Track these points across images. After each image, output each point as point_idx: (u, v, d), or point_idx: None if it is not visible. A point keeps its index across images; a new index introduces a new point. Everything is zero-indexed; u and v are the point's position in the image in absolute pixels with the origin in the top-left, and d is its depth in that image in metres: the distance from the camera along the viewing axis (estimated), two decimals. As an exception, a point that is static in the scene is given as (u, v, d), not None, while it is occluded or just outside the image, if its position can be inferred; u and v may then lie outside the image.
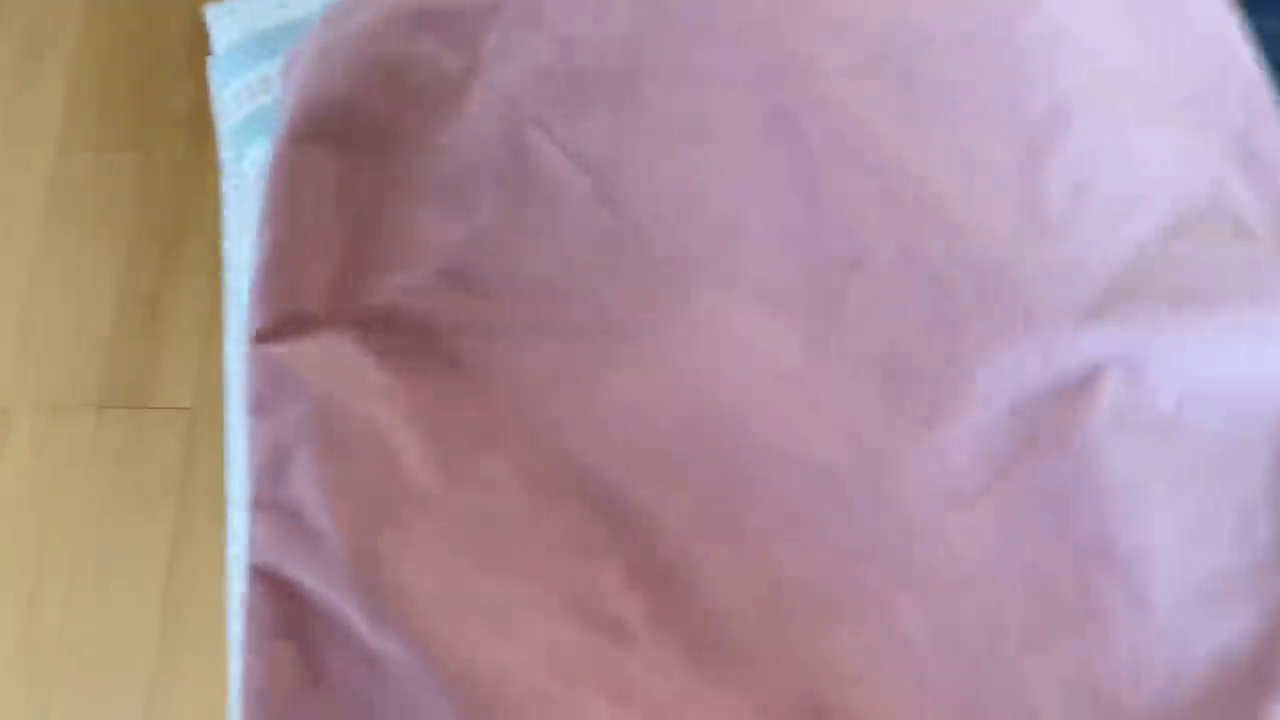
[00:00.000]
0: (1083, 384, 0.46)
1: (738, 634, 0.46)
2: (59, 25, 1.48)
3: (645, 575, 0.47)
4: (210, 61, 0.63)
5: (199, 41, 1.45)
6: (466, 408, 0.50)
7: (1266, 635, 0.43)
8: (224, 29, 0.61)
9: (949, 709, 0.45)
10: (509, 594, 0.46)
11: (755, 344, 0.49)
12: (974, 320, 0.47)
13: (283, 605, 0.48)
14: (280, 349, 0.51)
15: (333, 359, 0.51)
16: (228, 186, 0.61)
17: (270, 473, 0.50)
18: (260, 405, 0.52)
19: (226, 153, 0.62)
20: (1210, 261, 0.49)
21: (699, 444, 0.48)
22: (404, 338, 0.51)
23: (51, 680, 1.19)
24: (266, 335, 0.52)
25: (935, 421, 0.47)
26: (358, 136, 0.50)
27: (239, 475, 0.61)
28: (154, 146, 1.40)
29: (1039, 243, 0.47)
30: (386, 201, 0.52)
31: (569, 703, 0.43)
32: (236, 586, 0.58)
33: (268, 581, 0.49)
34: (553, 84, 0.52)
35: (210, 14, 0.61)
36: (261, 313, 0.52)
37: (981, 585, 0.46)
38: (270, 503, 0.50)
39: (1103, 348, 0.46)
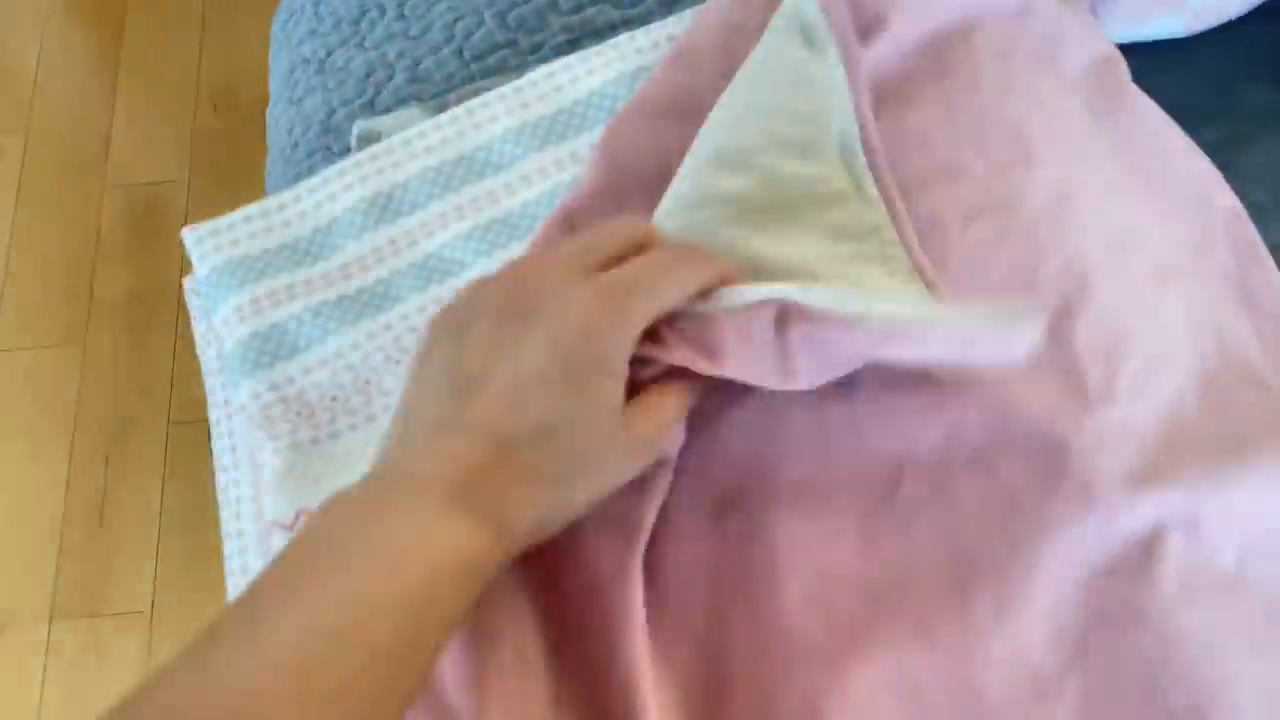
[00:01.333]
0: (1146, 551, 0.46)
1: None
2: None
3: None
4: (188, 286, 0.61)
5: (133, 226, 1.43)
6: None
7: None
8: (205, 252, 0.59)
9: None
10: None
11: (809, 550, 0.48)
12: (1029, 500, 0.46)
13: None
14: None
15: None
16: (216, 416, 0.59)
17: None
18: None
19: (214, 380, 0.59)
20: (1236, 412, 0.49)
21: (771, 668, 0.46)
22: None
23: None
24: None
25: (1007, 611, 0.45)
26: None
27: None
28: (93, 339, 1.36)
29: (1082, 411, 0.47)
30: None
31: None
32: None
33: None
34: None
35: (189, 237, 0.59)
36: None
37: None
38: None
39: (1159, 511, 0.46)
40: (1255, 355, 0.53)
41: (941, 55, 0.55)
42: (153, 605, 1.22)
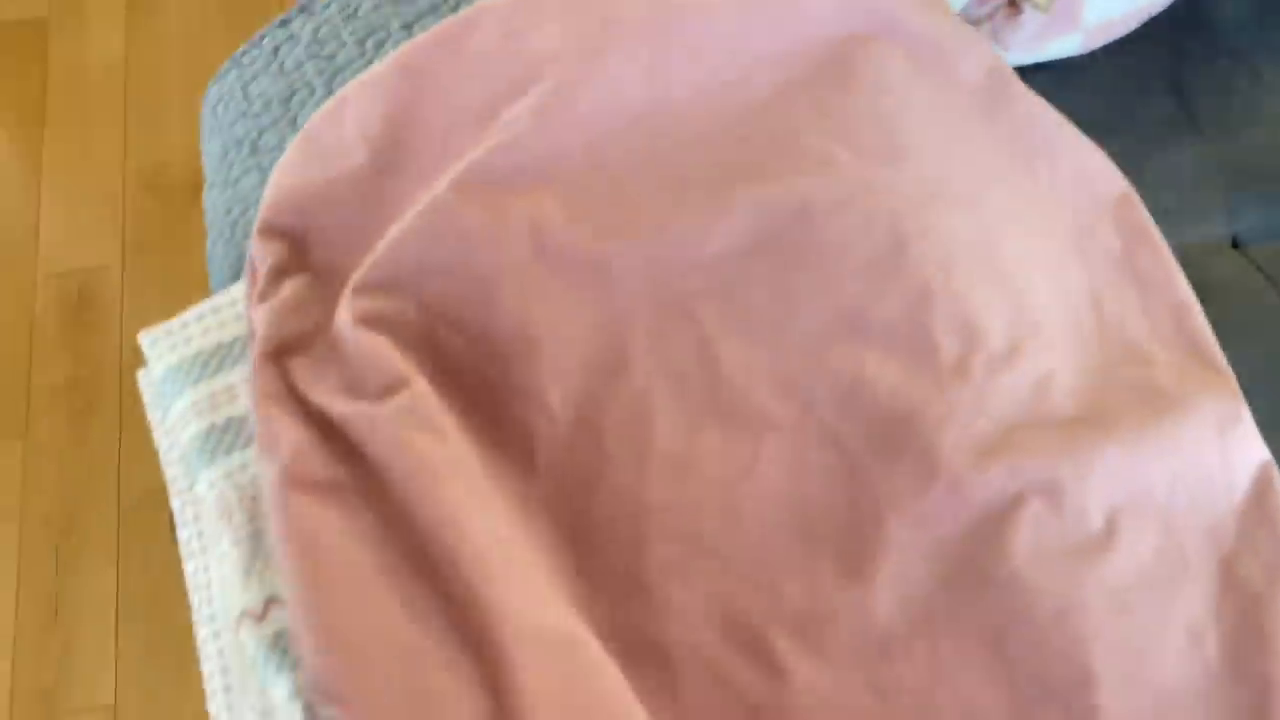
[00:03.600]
0: (1000, 519, 0.48)
1: None
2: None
3: None
4: (143, 380, 0.61)
5: (66, 313, 1.41)
6: None
7: None
8: (160, 353, 0.60)
9: None
10: None
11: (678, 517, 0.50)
12: (875, 471, 0.49)
13: None
14: None
15: None
16: (178, 503, 0.59)
17: None
18: None
19: (174, 470, 0.59)
20: (1115, 385, 0.52)
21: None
22: None
23: None
24: None
25: (853, 577, 0.48)
26: None
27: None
28: (34, 430, 1.33)
29: (933, 389, 0.49)
30: None
31: None
32: None
33: None
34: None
35: (145, 340, 0.60)
36: None
37: None
38: None
39: (1013, 480, 0.48)
40: (1141, 331, 0.56)
41: (814, 64, 0.57)
42: (116, 699, 1.20)
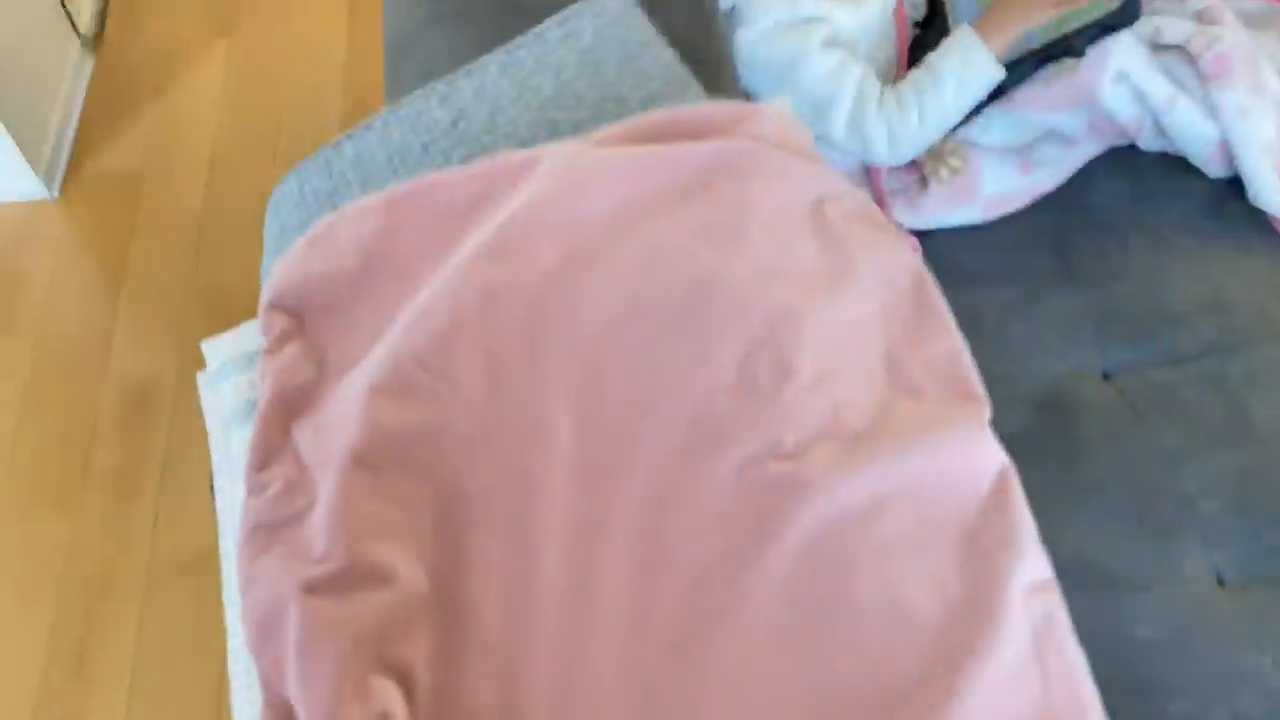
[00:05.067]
0: (794, 497, 0.64)
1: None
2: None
3: None
4: (201, 377, 0.81)
5: (126, 413, 1.63)
6: None
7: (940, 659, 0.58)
8: (216, 353, 0.80)
9: None
10: None
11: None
12: (696, 454, 0.66)
13: None
14: None
15: None
16: (218, 458, 0.77)
17: None
18: None
19: (214, 425, 0.78)
20: (890, 413, 0.69)
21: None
22: None
23: None
24: None
25: (650, 553, 0.65)
26: None
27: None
28: (83, 507, 1.53)
29: (742, 404, 0.67)
30: None
31: None
32: None
33: None
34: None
35: (206, 346, 0.80)
36: None
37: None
38: None
39: (806, 471, 0.64)
40: (920, 376, 0.74)
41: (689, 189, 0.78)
42: (122, 743, 1.33)
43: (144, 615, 1.43)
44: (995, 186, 1.27)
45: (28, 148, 1.83)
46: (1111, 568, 1.02)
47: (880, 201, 1.26)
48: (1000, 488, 0.66)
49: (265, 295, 0.79)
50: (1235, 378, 1.13)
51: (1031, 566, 0.63)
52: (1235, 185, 1.24)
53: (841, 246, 0.77)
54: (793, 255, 0.75)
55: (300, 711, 0.59)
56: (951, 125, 1.19)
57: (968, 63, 1.14)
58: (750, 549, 0.62)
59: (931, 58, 1.16)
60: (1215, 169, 1.25)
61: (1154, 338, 1.18)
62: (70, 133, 1.97)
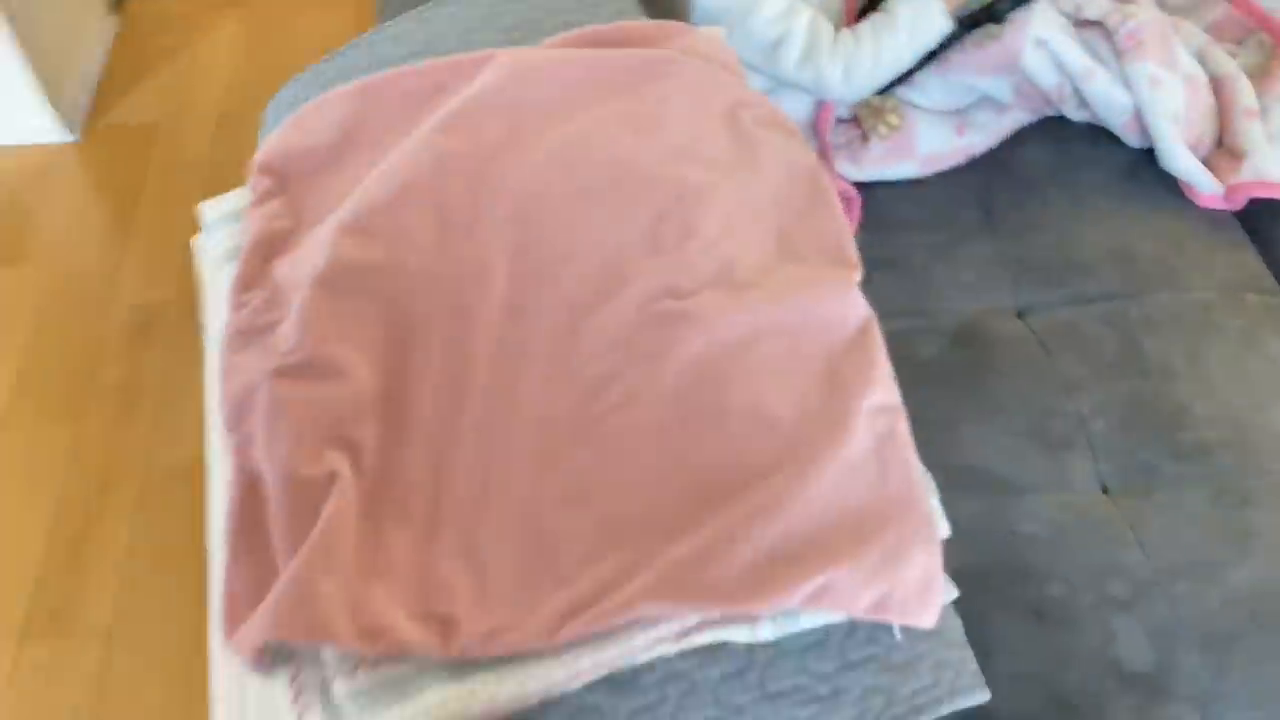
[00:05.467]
0: (679, 325, 0.76)
1: None
2: (14, 327, 1.76)
3: None
4: (196, 243, 0.93)
5: (131, 335, 1.75)
6: None
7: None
8: (211, 210, 0.93)
9: None
10: None
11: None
12: (604, 293, 0.79)
13: None
14: None
15: None
16: (209, 297, 0.89)
17: None
18: None
19: (207, 269, 0.91)
20: (775, 272, 0.80)
21: None
22: None
23: None
24: None
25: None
26: None
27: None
28: (86, 416, 1.65)
29: (647, 256, 0.80)
30: None
31: None
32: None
33: None
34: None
35: (204, 205, 0.92)
36: None
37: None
38: None
39: (693, 306, 0.76)
40: (806, 247, 0.86)
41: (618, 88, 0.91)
42: (112, 624, 1.45)
43: (137, 515, 1.55)
44: (931, 146, 1.39)
45: (54, 97, 1.97)
46: (1006, 475, 1.14)
47: (825, 154, 1.38)
48: (862, 332, 0.77)
49: (254, 164, 0.92)
50: (1134, 318, 1.25)
51: (881, 393, 0.74)
52: (1151, 154, 1.37)
53: (748, 141, 0.89)
54: (704, 144, 0.87)
55: (265, 471, 0.71)
56: (903, 69, 1.30)
57: (921, 11, 1.26)
58: (643, 363, 0.74)
59: (888, 4, 1.28)
60: (1131, 138, 1.37)
61: (1064, 283, 1.30)
62: (92, 85, 2.11)
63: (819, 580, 0.62)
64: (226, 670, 0.67)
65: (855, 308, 0.78)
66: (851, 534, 0.66)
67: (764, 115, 0.92)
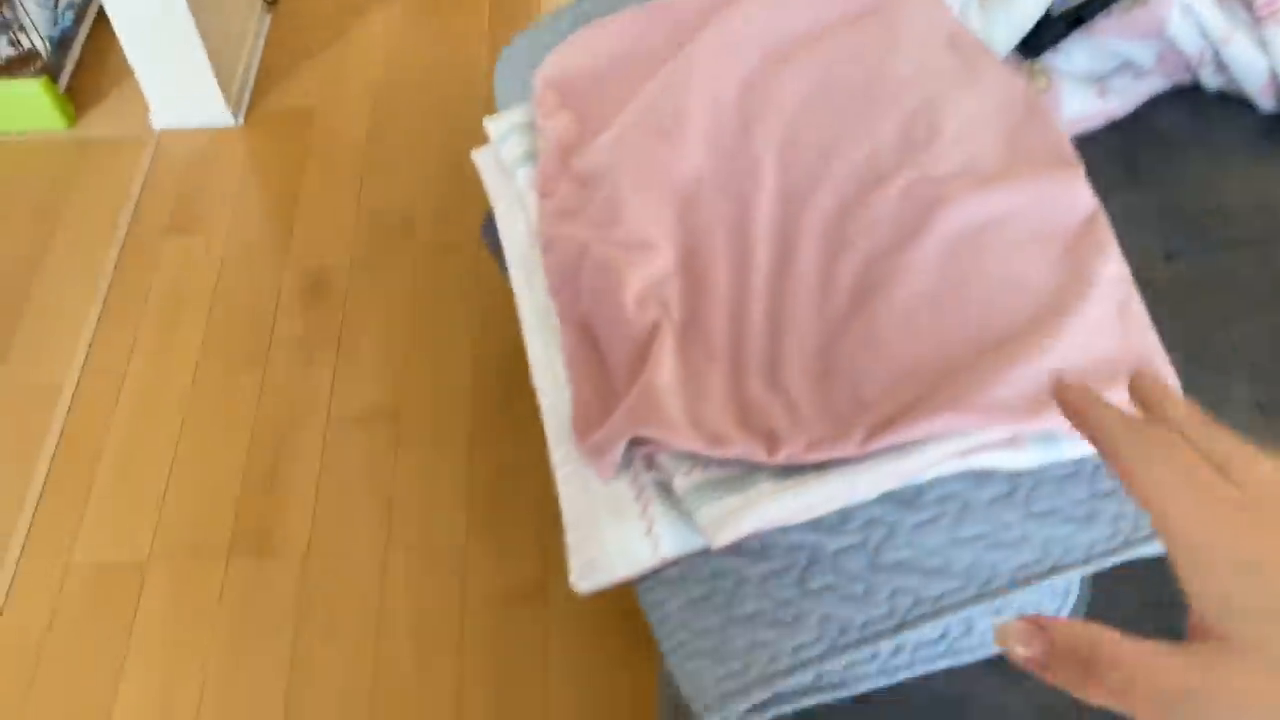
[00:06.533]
0: (934, 209, 0.87)
1: None
2: (199, 286, 1.91)
3: None
4: (479, 154, 1.06)
5: (304, 297, 1.89)
6: None
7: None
8: (496, 124, 1.05)
9: None
10: None
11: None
12: (867, 181, 0.90)
13: None
14: None
15: None
16: (501, 202, 1.01)
17: None
18: None
19: (492, 179, 1.02)
20: (1010, 168, 0.91)
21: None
22: None
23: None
24: None
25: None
26: None
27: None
28: (270, 365, 1.78)
29: (902, 152, 0.91)
30: None
31: None
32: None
33: None
34: None
35: (488, 121, 1.05)
36: None
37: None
38: None
39: (944, 193, 0.87)
40: (1034, 151, 0.96)
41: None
42: (309, 545, 1.57)
43: (323, 453, 1.68)
44: (1074, 108, 1.49)
45: (222, 84, 2.13)
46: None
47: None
48: (1093, 217, 0.88)
49: (538, 81, 1.04)
50: (1278, 261, 1.34)
51: (1115, 265, 0.85)
52: (1285, 117, 1.46)
53: (969, 62, 1.00)
54: (934, 62, 0.99)
55: (596, 319, 0.83)
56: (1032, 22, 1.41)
57: None
58: (908, 240, 0.84)
59: None
60: (1267, 102, 1.47)
61: (1210, 230, 1.39)
62: (253, 73, 2.27)
63: (1087, 406, 0.72)
64: (569, 482, 0.78)
65: (1084, 197, 0.89)
66: (1109, 372, 0.76)
67: (976, 42, 1.04)
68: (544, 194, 0.94)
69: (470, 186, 1.64)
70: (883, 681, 0.77)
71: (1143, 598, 0.84)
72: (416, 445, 1.68)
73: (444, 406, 1.72)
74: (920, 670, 0.78)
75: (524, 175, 0.99)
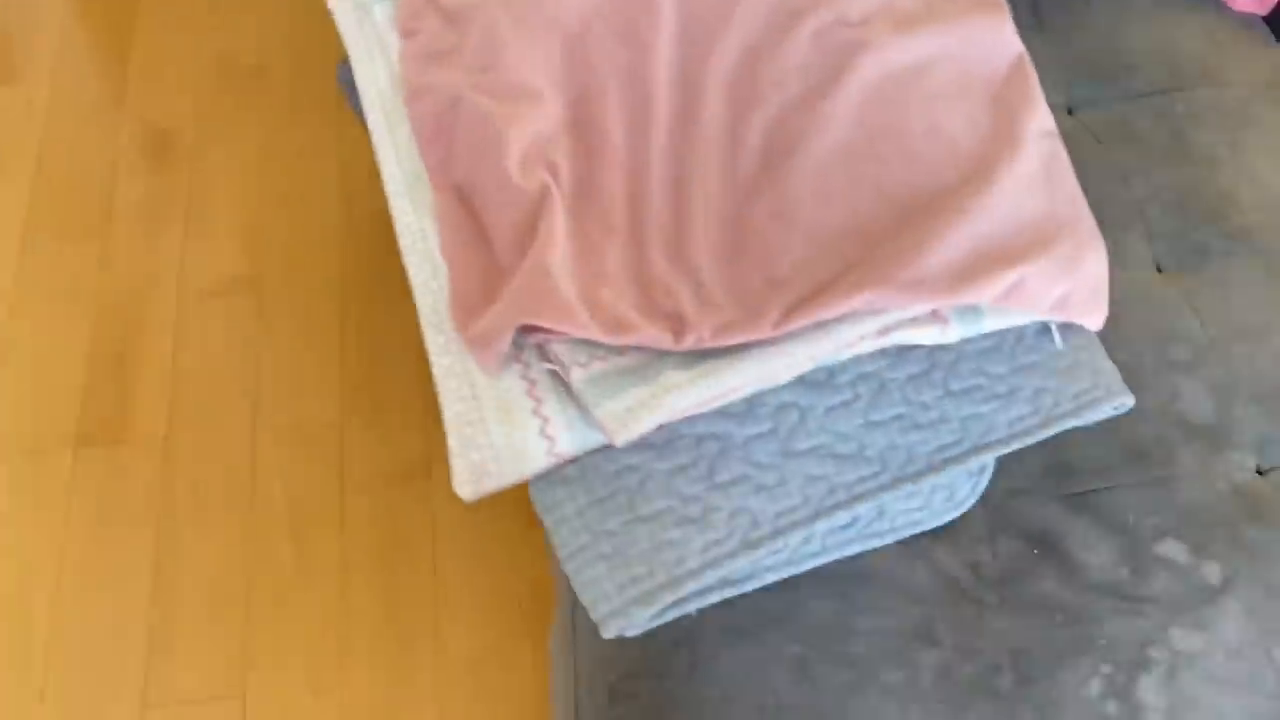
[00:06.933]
0: (856, 54, 0.80)
1: None
2: (21, 144, 1.70)
3: None
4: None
5: (146, 156, 1.70)
6: None
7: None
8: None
9: None
10: None
11: None
12: (778, 26, 0.83)
13: None
14: None
15: None
16: (353, 38, 0.88)
17: None
18: None
19: (344, 12, 0.89)
20: (933, 5, 0.83)
21: None
22: None
23: (45, 680, 1.27)
24: None
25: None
26: None
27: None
28: (111, 235, 1.61)
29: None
30: None
31: None
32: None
33: None
34: None
35: None
36: None
37: None
38: None
39: (864, 33, 0.80)
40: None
41: None
42: (168, 431, 1.45)
43: (177, 330, 1.54)
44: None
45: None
46: (1067, 255, 1.20)
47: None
48: (1019, 64, 0.81)
49: None
50: (1179, 113, 1.30)
51: (1042, 118, 0.79)
52: (1189, -42, 1.41)
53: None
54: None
55: (474, 182, 0.72)
56: None
57: None
58: (824, 88, 0.77)
59: None
60: (1171, -58, 1.41)
61: (1113, 80, 1.34)
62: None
63: (1014, 276, 0.67)
64: (450, 374, 0.69)
65: (1010, 42, 0.82)
66: (1034, 239, 0.70)
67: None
68: (407, 33, 0.81)
69: (333, 25, 1.46)
70: (789, 571, 0.73)
71: (1044, 461, 0.82)
72: (282, 318, 1.55)
73: (311, 274, 1.59)
74: (830, 557, 0.75)
75: (382, 12, 0.86)
